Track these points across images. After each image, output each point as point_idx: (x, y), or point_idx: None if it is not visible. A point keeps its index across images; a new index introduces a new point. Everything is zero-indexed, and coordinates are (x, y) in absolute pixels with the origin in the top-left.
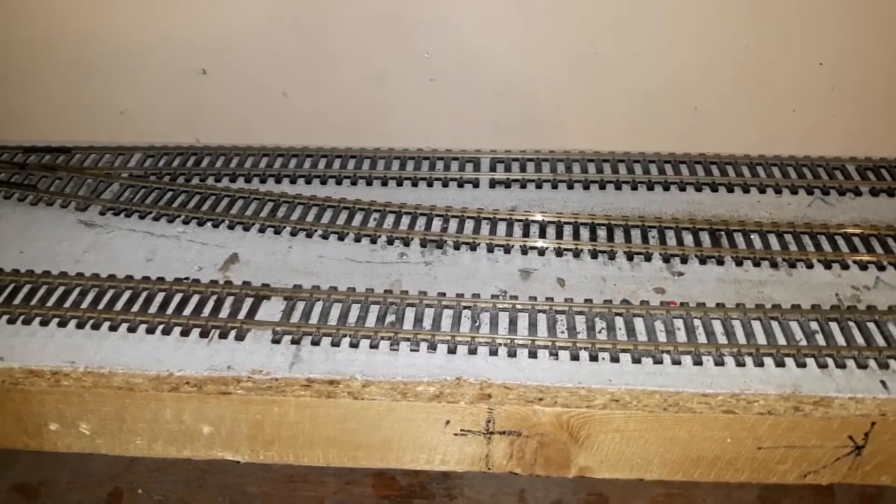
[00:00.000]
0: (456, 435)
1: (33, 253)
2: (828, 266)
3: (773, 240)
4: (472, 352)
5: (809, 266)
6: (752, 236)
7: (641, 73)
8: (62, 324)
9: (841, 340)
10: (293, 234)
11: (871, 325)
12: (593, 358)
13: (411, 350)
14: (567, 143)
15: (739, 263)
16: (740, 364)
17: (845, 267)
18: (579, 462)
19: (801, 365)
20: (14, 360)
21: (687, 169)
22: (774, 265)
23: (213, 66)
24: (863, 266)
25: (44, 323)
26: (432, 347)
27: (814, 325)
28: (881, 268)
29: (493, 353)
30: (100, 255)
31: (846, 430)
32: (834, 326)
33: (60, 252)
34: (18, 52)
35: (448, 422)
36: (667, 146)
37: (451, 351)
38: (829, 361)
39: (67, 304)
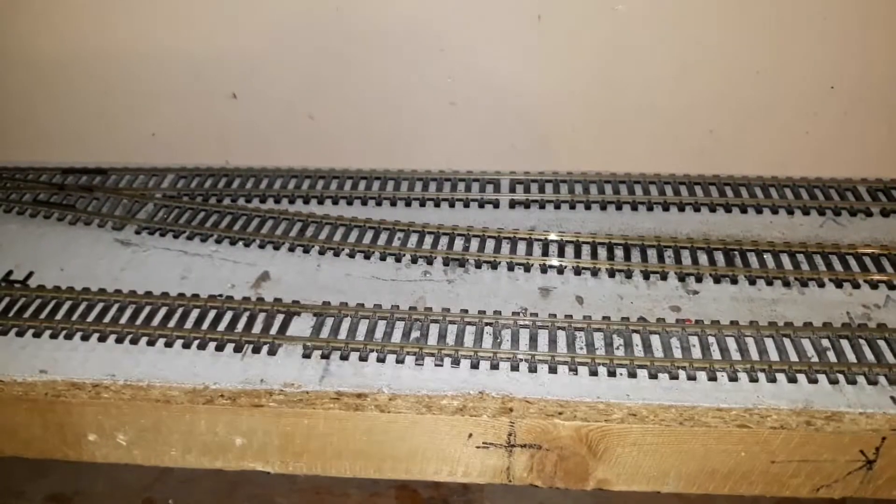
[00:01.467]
0: (478, 448)
1: (73, 270)
2: (839, 285)
3: (785, 259)
4: (495, 367)
5: (821, 285)
6: (764, 256)
7: (657, 96)
8: (102, 338)
9: (852, 357)
10: (321, 252)
11: (882, 343)
12: (611, 373)
13: (436, 365)
14: (584, 165)
15: (752, 282)
16: (753, 380)
17: (856, 286)
18: (597, 475)
19: (813, 381)
20: (57, 373)
21: (701, 190)
22: (787, 284)
23: (242, 89)
24: (873, 285)
25: (85, 338)
26: (456, 362)
27: (825, 343)
28: (892, 287)
29: (515, 368)
30: (136, 273)
31: (857, 445)
32: (845, 343)
33: (99, 270)
34: (56, 77)
35: (471, 435)
36: (682, 168)
37: (475, 366)
38: (840, 377)
39: (107, 319)
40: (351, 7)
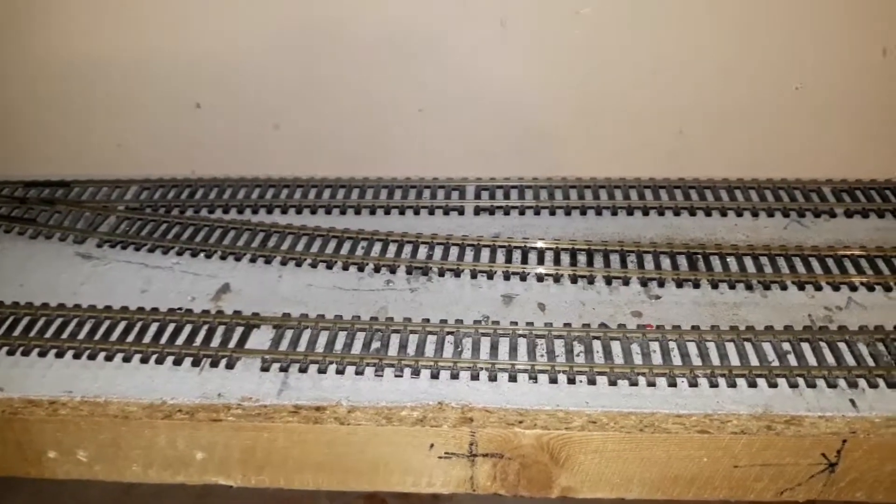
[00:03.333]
0: (440, 458)
1: (32, 286)
2: (801, 287)
3: (748, 262)
4: (455, 376)
5: (784, 288)
6: (728, 259)
7: (625, 99)
8: (60, 354)
9: (812, 360)
10: (283, 263)
11: (842, 345)
12: (571, 381)
13: (395, 375)
14: (550, 170)
15: (715, 286)
16: (713, 385)
17: (818, 288)
18: (561, 482)
19: (773, 385)
20: (13, 391)
21: (666, 193)
22: (749, 287)
23: (206, 99)
24: (835, 287)
25: (42, 354)
26: (416, 373)
27: (786, 346)
28: (853, 288)
29: (475, 377)
30: (97, 287)
31: (819, 448)
32: (806, 347)
33: (59, 284)
34: (18, 89)
35: (432, 445)
36: (651, 170)
37: (434, 376)
38: (800, 381)
39: (65, 335)
40: (317, 16)
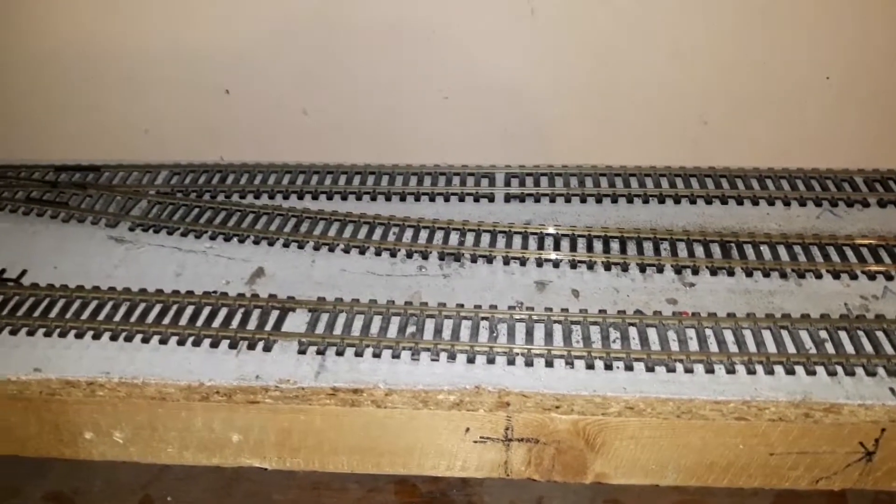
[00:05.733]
0: (475, 442)
1: (67, 268)
2: (836, 276)
3: (782, 251)
4: (491, 361)
5: (818, 276)
6: (761, 248)
7: (651, 87)
8: (96, 336)
9: (850, 349)
10: (316, 248)
11: (880, 334)
12: (608, 367)
13: (432, 360)
14: (580, 158)
15: (749, 274)
16: (751, 372)
17: (854, 277)
18: (595, 468)
19: (811, 373)
20: (51, 372)
21: (697, 182)
22: (784, 276)
23: (235, 85)
24: (871, 276)
25: (79, 335)
26: (452, 357)
27: (823, 334)
28: (889, 277)
29: (511, 362)
30: (130, 270)
31: (856, 437)
32: (843, 335)
33: (92, 267)
34: (49, 74)
35: (468, 429)
36: (676, 159)
37: (471, 360)
38: (839, 369)
39: (101, 317)
40: (346, 2)
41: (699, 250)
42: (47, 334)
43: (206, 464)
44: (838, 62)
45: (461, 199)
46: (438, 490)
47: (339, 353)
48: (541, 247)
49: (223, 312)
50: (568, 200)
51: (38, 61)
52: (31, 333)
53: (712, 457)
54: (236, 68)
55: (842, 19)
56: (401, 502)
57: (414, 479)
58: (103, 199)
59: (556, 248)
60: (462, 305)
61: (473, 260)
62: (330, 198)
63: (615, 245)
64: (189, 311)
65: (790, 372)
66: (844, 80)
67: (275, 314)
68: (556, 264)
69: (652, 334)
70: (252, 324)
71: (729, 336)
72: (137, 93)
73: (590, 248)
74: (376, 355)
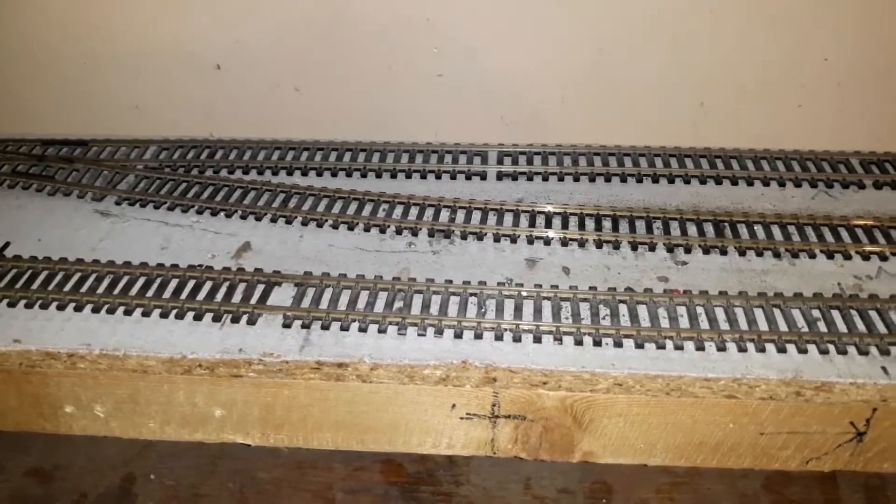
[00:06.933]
0: (462, 419)
1: (51, 241)
2: (830, 256)
3: (776, 231)
4: (478, 336)
5: (812, 256)
6: (755, 227)
7: (647, 68)
8: (78, 308)
9: (843, 327)
10: (304, 223)
11: (873, 313)
12: (597, 343)
13: (419, 335)
14: (573, 138)
15: (742, 253)
16: (742, 350)
17: (848, 257)
18: (583, 447)
19: (803, 351)
20: (31, 343)
21: (692, 162)
22: (777, 255)
23: (226, 61)
24: (865, 256)
25: (60, 307)
26: (439, 332)
27: (815, 313)
28: (883, 258)
29: (499, 337)
30: (115, 243)
31: (848, 416)
32: (836, 314)
33: (77, 240)
34: (38, 48)
35: (454, 405)
36: (672, 141)
37: (458, 336)
38: (831, 348)
39: (84, 289)
40: None
41: (692, 229)
42: (28, 306)
43: (189, 439)
44: (837, 43)
45: (453, 177)
46: (425, 470)
47: (325, 328)
48: (532, 224)
49: (208, 286)
50: (561, 179)
51: (26, 36)
52: (12, 305)
53: (702, 435)
54: (228, 44)
55: (840, 0)
56: (387, 482)
57: (400, 458)
58: (90, 174)
59: (548, 225)
60: (451, 281)
61: (464, 237)
62: (320, 174)
63: (607, 223)
64: (173, 284)
65: (781, 350)
66: (843, 61)
67: (260, 288)
68: (548, 242)
69: (642, 311)
70: (237, 297)
71: (720, 314)
72: (128, 68)
73: (581, 227)
74: (362, 330)
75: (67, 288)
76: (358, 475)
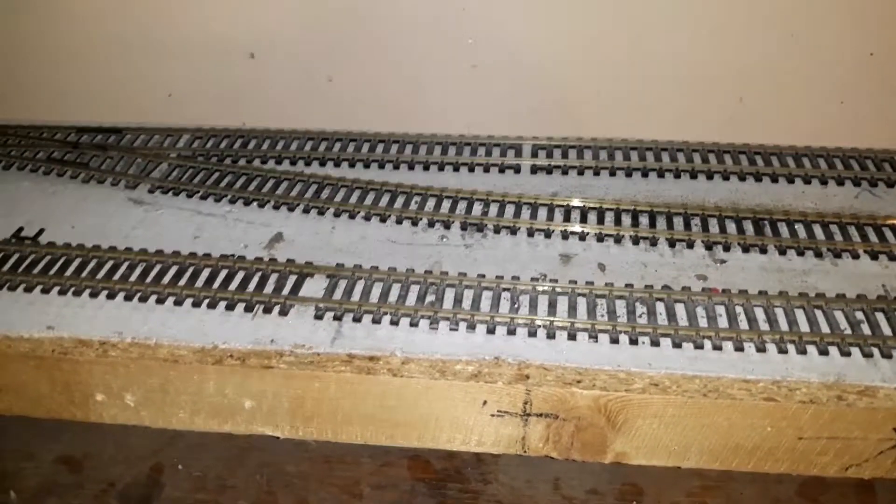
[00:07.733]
0: (493, 416)
1: (84, 228)
2: (874, 257)
3: (817, 230)
4: (511, 332)
5: (855, 256)
6: (796, 226)
7: (684, 62)
8: (111, 296)
9: (887, 330)
10: (336, 215)
11: None
12: (633, 342)
13: (451, 329)
14: (609, 131)
15: (783, 252)
16: (782, 351)
17: (893, 258)
18: (616, 447)
19: (846, 354)
20: (64, 330)
21: (730, 158)
22: (819, 255)
23: (260, 50)
24: None
25: (93, 295)
26: (471, 327)
27: (859, 315)
28: None
29: (532, 334)
30: (148, 232)
31: (891, 422)
32: (880, 316)
33: (110, 228)
34: (73, 37)
35: (485, 402)
36: (710, 136)
37: (490, 331)
38: (875, 351)
39: (116, 276)
40: None
41: (731, 227)
42: (62, 293)
43: (218, 430)
44: (884, 37)
45: (486, 170)
46: (453, 467)
47: (357, 320)
48: (567, 219)
49: (240, 276)
50: (597, 174)
51: (62, 24)
52: (45, 291)
53: (738, 438)
54: (262, 33)
55: None
56: (414, 478)
57: (428, 454)
58: (124, 161)
59: (583, 220)
60: (483, 276)
61: (497, 231)
62: (352, 165)
63: (644, 219)
64: (205, 273)
65: (823, 352)
66: (890, 56)
67: (292, 279)
68: (583, 237)
69: (680, 310)
70: (269, 288)
71: (760, 314)
72: (161, 56)
73: (618, 222)
74: (394, 323)
75: (100, 275)
76: (385, 470)
